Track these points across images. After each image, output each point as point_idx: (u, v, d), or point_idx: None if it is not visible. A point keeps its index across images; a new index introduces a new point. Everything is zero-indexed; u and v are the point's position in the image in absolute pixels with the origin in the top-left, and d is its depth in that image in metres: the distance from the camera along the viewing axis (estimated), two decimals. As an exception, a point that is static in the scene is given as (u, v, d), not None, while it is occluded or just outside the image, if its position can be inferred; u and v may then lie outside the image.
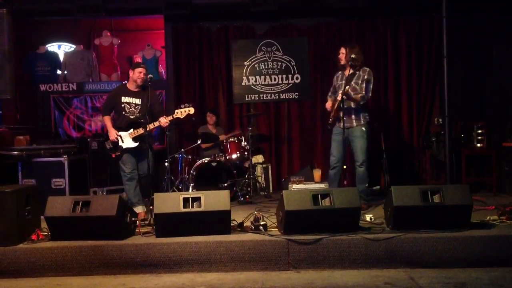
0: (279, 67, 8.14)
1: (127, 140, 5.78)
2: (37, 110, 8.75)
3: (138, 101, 5.87)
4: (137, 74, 5.80)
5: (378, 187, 7.33)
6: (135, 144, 5.79)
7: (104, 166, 6.91)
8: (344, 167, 5.69)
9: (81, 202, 4.53)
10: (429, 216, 4.46)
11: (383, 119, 7.88)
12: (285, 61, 8.13)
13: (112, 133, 5.78)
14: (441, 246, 4.24)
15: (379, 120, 7.71)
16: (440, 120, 7.40)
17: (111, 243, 4.36)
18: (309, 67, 8.11)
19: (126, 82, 6.05)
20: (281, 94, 8.13)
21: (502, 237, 4.32)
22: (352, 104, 5.84)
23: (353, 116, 5.88)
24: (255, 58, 8.13)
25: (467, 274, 4.03)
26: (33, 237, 4.53)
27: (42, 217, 4.65)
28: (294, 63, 8.12)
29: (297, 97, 8.11)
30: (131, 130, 5.79)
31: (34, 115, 8.77)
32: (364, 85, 5.81)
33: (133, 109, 5.86)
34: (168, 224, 4.48)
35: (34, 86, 8.73)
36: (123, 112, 5.83)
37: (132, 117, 5.83)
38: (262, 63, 8.14)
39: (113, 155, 5.81)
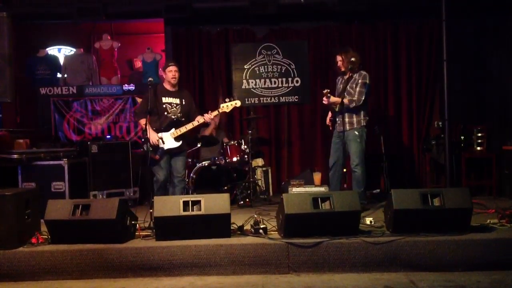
0: (279, 70, 8.15)
1: (168, 141, 5.72)
2: (37, 114, 8.75)
3: (177, 100, 5.88)
4: (169, 74, 5.80)
5: (378, 190, 7.33)
6: (177, 144, 5.77)
7: (104, 169, 6.90)
8: (344, 170, 5.69)
9: (81, 206, 4.52)
10: (429, 220, 4.46)
11: (383, 122, 7.89)
12: (285, 65, 8.14)
13: (154, 136, 5.68)
14: (441, 249, 4.24)
15: (379, 123, 7.72)
16: (440, 123, 7.40)
17: (111, 247, 4.36)
18: (309, 71, 8.12)
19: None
20: (281, 98, 8.13)
21: (502, 240, 4.32)
22: (346, 108, 5.87)
23: (347, 120, 5.94)
24: (255, 62, 8.14)
25: (467, 278, 4.03)
26: (33, 240, 4.52)
27: (42, 220, 4.65)
28: (294, 67, 8.13)
29: (297, 100, 8.11)
30: (173, 130, 5.77)
31: (34, 119, 8.77)
32: (357, 88, 5.84)
33: (174, 109, 5.83)
34: (168, 228, 4.48)
35: (34, 90, 8.72)
36: (165, 113, 5.76)
37: (173, 117, 5.81)
38: (262, 67, 8.15)
39: (156, 157, 5.70)
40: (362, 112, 5.93)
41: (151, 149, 5.64)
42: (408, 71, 7.98)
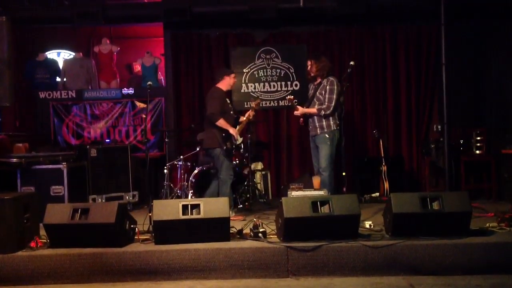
0: (278, 74, 8.15)
1: (238, 136, 6.25)
2: (36, 118, 8.74)
3: (229, 101, 6.52)
4: (231, 81, 6.34)
5: (378, 194, 7.33)
6: (242, 138, 6.33)
7: (103, 173, 6.89)
8: (343, 174, 5.67)
9: (80, 210, 4.52)
10: (429, 223, 4.46)
11: (382, 126, 7.90)
12: (284, 68, 8.14)
13: (235, 130, 6.15)
14: (441, 253, 4.24)
15: (378, 127, 7.73)
16: (439, 127, 7.41)
17: (110, 251, 4.35)
18: (308, 74, 8.12)
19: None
20: (280, 101, 8.14)
21: (501, 244, 4.32)
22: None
23: (317, 124, 6.09)
24: (254, 65, 8.15)
25: (467, 281, 4.03)
26: (32, 244, 4.51)
27: (41, 224, 4.64)
28: (293, 70, 8.13)
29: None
30: (237, 126, 6.29)
31: (33, 123, 8.76)
32: (327, 95, 5.98)
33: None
34: (167, 232, 4.47)
35: (33, 94, 8.71)
36: (231, 112, 6.35)
37: (235, 116, 6.42)
38: (261, 70, 8.15)
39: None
40: (331, 117, 6.03)
41: (230, 145, 6.10)
42: (407, 74, 7.99)
